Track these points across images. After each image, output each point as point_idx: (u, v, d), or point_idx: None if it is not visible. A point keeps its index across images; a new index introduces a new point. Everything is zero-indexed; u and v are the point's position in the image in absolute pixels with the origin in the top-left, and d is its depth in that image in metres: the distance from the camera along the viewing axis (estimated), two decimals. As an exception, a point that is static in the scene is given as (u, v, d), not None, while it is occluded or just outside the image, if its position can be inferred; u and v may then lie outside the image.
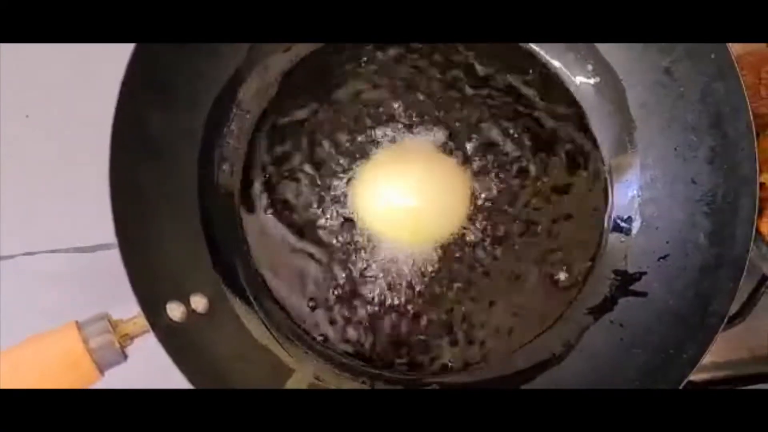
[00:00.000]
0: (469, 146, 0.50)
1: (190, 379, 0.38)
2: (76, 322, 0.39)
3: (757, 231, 0.44)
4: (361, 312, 0.48)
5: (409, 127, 0.50)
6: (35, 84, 0.55)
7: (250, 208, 0.49)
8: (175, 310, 0.41)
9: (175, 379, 0.38)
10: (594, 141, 0.51)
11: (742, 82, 0.42)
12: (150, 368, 0.38)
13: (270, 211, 0.49)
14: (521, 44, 0.51)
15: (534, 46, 0.51)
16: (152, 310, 0.39)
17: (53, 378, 0.38)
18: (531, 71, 0.51)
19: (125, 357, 0.39)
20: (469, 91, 0.51)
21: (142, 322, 0.39)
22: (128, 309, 0.39)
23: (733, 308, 0.50)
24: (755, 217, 0.42)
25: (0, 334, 0.42)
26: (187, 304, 0.42)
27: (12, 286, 0.52)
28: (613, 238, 0.50)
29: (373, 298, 0.48)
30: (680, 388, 0.39)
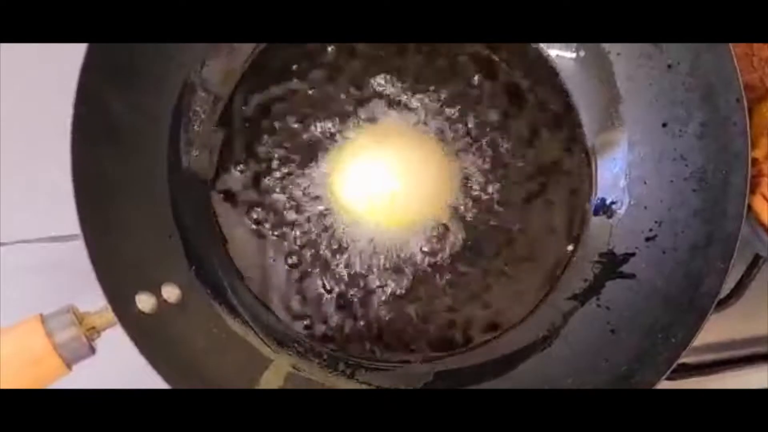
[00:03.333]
0: (449, 126, 0.48)
1: (162, 373, 0.37)
2: (41, 316, 0.38)
3: (749, 208, 0.43)
4: (340, 299, 0.47)
5: (389, 106, 0.48)
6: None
7: (224, 195, 0.47)
8: (145, 302, 0.40)
9: (148, 372, 0.37)
10: (578, 118, 0.49)
11: (732, 53, 0.41)
12: (121, 360, 0.36)
13: (244, 197, 0.47)
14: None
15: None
16: (120, 301, 0.38)
17: (18, 374, 0.37)
18: (512, 45, 0.49)
19: (93, 350, 0.38)
20: (448, 69, 0.49)
21: (110, 314, 0.37)
22: (99, 302, 0.37)
23: (726, 289, 0.49)
24: (747, 193, 0.40)
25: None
26: (158, 294, 0.41)
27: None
28: (599, 218, 0.48)
29: (350, 285, 0.47)
30: (668, 373, 0.38)
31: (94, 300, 0.38)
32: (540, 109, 0.49)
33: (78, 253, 0.38)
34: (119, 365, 0.38)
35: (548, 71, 0.49)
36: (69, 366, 0.38)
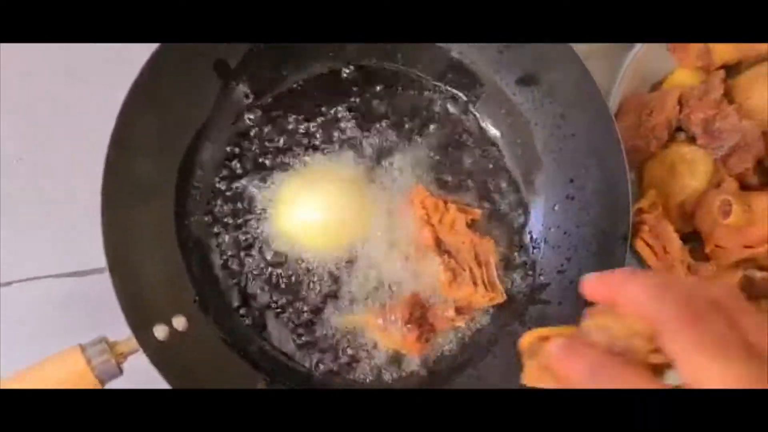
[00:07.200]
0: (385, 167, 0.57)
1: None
2: (80, 345, 0.46)
3: (633, 250, 0.54)
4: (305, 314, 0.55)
5: (325, 149, 0.57)
6: (30, 123, 0.59)
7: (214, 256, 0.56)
8: (160, 331, 0.49)
9: (166, 387, 0.46)
10: (509, 171, 0.58)
11: (616, 127, 0.51)
12: (143, 378, 0.46)
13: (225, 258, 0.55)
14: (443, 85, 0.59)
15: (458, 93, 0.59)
16: (142, 332, 0.47)
17: (63, 392, 0.46)
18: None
19: (121, 371, 0.47)
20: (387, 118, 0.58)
21: (134, 342, 0.46)
22: (119, 329, 0.46)
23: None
24: (629, 238, 0.51)
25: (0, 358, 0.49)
26: (170, 325, 0.50)
27: (9, 312, 0.56)
28: (525, 254, 0.57)
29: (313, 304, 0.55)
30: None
31: (112, 328, 0.46)
32: (481, 172, 0.58)
33: (99, 286, 0.46)
34: (142, 381, 0.46)
35: (485, 137, 0.59)
36: (103, 384, 0.47)
